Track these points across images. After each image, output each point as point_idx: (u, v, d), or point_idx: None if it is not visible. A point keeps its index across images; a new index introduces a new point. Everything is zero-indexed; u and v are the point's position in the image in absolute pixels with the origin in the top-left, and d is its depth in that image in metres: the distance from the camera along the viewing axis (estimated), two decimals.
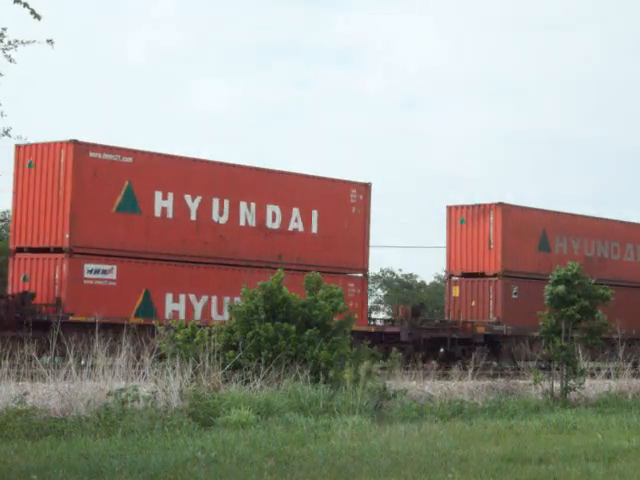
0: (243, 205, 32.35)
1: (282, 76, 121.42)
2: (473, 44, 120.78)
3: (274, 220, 33.14)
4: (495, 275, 38.63)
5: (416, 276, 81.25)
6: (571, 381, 22.50)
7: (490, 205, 39.06)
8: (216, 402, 16.46)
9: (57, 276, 28.61)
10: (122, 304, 28.97)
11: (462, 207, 39.68)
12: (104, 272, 29.11)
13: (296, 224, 33.71)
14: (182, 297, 30.61)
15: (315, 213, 34.14)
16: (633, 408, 20.99)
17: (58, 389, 16.31)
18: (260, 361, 19.52)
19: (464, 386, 22.24)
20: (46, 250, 28.97)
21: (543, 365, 31.92)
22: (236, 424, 15.46)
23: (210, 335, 19.18)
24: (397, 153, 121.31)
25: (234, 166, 32.66)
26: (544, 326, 23.23)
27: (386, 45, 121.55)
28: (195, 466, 11.74)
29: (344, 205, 34.83)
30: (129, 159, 29.86)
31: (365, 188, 35.45)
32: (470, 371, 22.78)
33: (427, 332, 36.50)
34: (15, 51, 11.39)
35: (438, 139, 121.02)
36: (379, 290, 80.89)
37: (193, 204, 31.25)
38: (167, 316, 29.02)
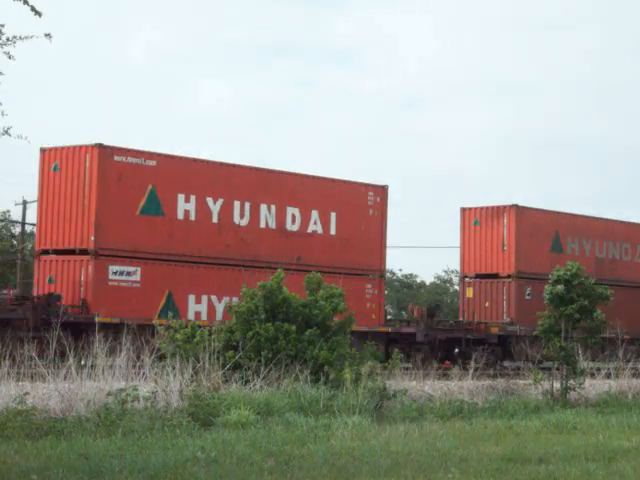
0: (263, 207, 32.74)
1: (282, 76, 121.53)
2: (473, 44, 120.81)
3: (294, 222, 33.53)
4: (509, 276, 38.94)
5: (416, 276, 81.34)
6: (571, 381, 22.50)
7: (504, 207, 39.37)
8: (216, 402, 16.46)
9: (82, 278, 29.09)
10: (146, 305, 29.28)
11: (476, 209, 40.01)
12: (128, 274, 29.55)
13: (315, 226, 34.10)
14: (204, 298, 30.89)
15: (333, 215, 34.52)
16: (633, 408, 20.99)
17: (58, 389, 16.31)
18: (260, 361, 19.52)
19: (464, 386, 22.24)
20: (71, 252, 29.41)
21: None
22: (236, 424, 15.45)
23: (210, 335, 19.18)
24: (397, 153, 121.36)
25: (255, 169, 33.04)
26: (542, 325, 23.31)
27: (386, 45, 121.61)
28: (195, 466, 11.74)
29: (362, 207, 35.24)
30: (153, 162, 30.26)
31: (382, 190, 35.85)
32: (470, 371, 22.78)
33: (442, 333, 36.82)
34: (14, 47, 11.36)
35: (438, 139, 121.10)
36: None
37: (215, 207, 31.65)
38: (190, 317, 29.37)
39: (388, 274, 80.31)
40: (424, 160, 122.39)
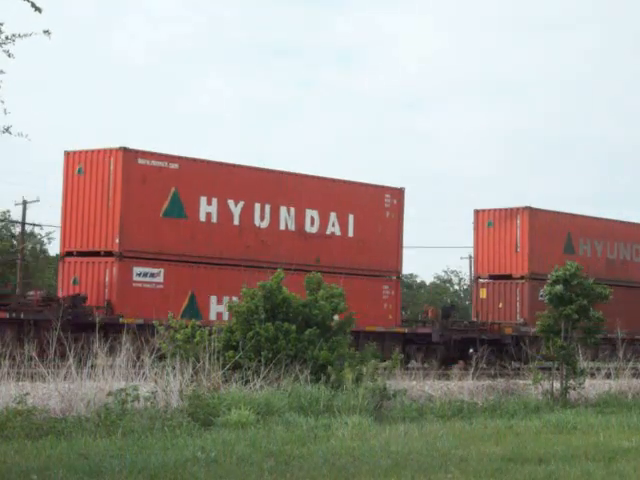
0: (283, 210, 33.23)
1: (282, 76, 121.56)
2: (473, 44, 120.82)
3: (312, 224, 34.01)
4: (522, 277, 39.32)
5: (416, 276, 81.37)
6: (571, 381, 22.50)
7: (517, 209, 39.80)
8: (216, 402, 16.46)
9: (107, 279, 29.53)
10: (169, 307, 29.36)
11: (489, 210, 40.43)
12: (152, 275, 29.99)
13: (333, 228, 34.56)
14: (226, 299, 31.00)
15: (351, 217, 34.98)
16: (633, 408, 20.99)
17: (58, 389, 16.31)
18: (260, 361, 19.51)
19: (464, 386, 22.25)
20: (96, 254, 29.82)
21: None
22: (236, 424, 15.45)
23: (210, 335, 19.18)
24: (397, 153, 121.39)
25: (275, 172, 33.50)
26: (540, 325, 23.33)
27: (386, 45, 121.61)
28: (195, 466, 11.74)
29: (379, 209, 35.69)
30: (175, 165, 30.70)
31: (399, 193, 36.29)
32: (471, 371, 22.78)
33: (457, 333, 37.17)
34: (13, 45, 11.39)
35: (438, 139, 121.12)
36: None
37: (236, 209, 32.13)
38: (212, 318, 29.82)
39: None
40: (424, 160, 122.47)
